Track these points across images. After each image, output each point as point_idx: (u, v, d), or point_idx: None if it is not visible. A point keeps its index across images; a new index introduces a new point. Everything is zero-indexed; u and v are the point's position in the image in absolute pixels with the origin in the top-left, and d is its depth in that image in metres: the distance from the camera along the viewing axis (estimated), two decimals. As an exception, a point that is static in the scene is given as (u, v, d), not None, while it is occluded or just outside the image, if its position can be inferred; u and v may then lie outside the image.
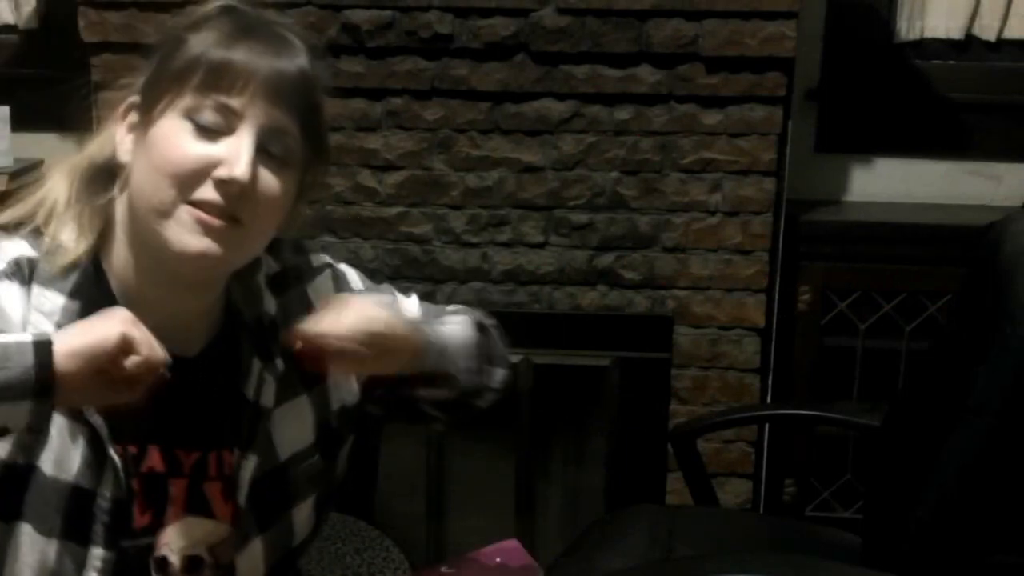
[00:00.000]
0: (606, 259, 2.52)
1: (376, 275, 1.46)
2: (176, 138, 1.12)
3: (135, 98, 1.19)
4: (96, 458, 1.15)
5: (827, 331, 2.66)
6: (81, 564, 1.16)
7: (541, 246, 2.53)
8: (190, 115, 1.13)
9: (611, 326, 2.55)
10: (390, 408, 1.39)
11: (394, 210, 2.50)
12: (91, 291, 1.16)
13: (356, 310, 1.22)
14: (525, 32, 2.40)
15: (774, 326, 2.58)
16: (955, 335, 1.78)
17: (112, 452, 1.15)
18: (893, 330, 2.64)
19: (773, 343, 2.58)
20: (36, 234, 1.17)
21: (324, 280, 1.33)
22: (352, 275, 1.38)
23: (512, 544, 2.19)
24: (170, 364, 1.08)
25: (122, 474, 1.16)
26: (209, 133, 1.13)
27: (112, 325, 1.05)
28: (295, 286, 1.30)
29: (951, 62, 2.78)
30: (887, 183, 2.81)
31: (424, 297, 2.66)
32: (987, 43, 2.75)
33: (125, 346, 1.04)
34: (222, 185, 1.11)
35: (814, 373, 2.67)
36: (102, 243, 1.18)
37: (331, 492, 1.36)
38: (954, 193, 2.79)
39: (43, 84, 2.78)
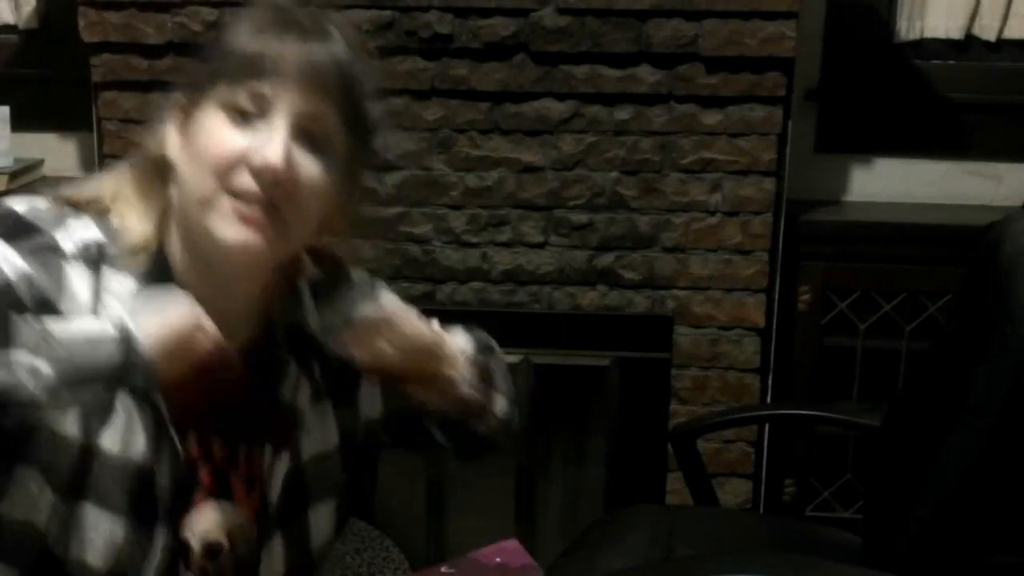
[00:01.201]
0: (606, 259, 2.52)
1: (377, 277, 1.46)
2: (213, 129, 1.14)
3: (180, 95, 1.19)
4: (157, 440, 1.16)
5: (827, 331, 2.66)
6: (147, 544, 1.16)
7: (541, 246, 2.53)
8: (226, 106, 1.14)
9: (611, 326, 2.55)
10: (400, 433, 1.40)
11: (394, 210, 2.50)
12: (159, 277, 1.17)
13: (411, 322, 1.26)
14: (525, 32, 2.40)
15: (774, 326, 2.58)
16: (955, 335, 1.78)
17: (173, 434, 1.17)
18: (893, 330, 2.64)
19: (773, 343, 2.58)
20: (102, 215, 1.18)
21: (363, 292, 1.34)
22: (388, 292, 1.39)
23: (512, 544, 2.19)
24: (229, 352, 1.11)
25: (182, 457, 1.17)
26: (245, 122, 1.13)
27: (184, 311, 1.09)
28: (336, 296, 1.30)
29: (951, 62, 2.78)
30: (887, 183, 2.81)
31: (424, 297, 2.67)
32: (987, 43, 2.75)
33: (198, 331, 1.08)
34: (257, 173, 1.12)
35: (814, 373, 2.67)
36: (163, 232, 1.19)
37: (349, 497, 1.37)
38: (954, 193, 2.79)
39: (43, 84, 2.79)
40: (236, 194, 1.12)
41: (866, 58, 2.77)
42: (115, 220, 1.18)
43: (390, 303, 1.29)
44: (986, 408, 1.51)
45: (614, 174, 2.48)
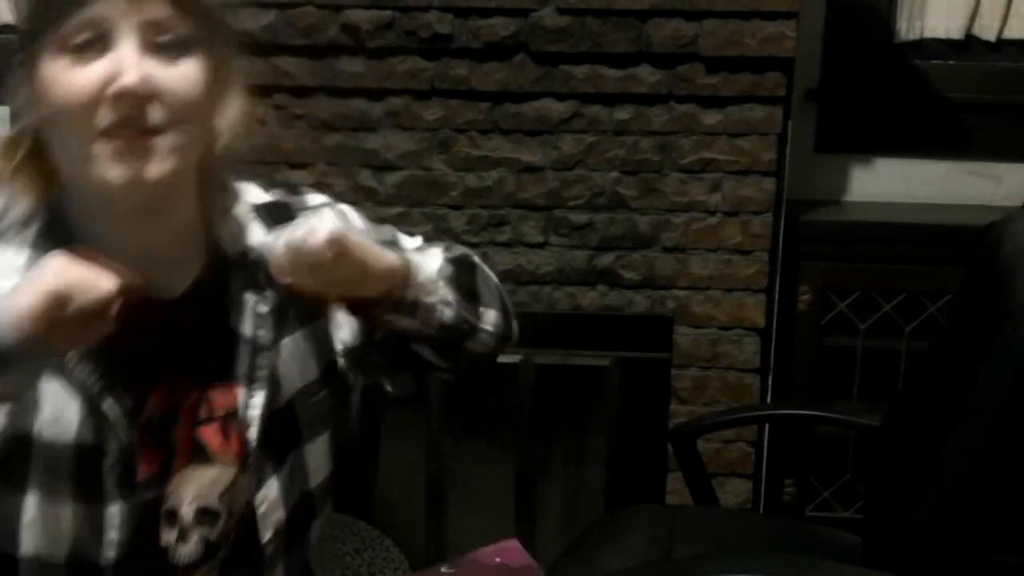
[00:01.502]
0: (606, 259, 2.52)
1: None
2: (57, 76, 1.06)
3: (19, 56, 1.10)
4: (93, 413, 1.12)
5: (827, 331, 2.66)
6: (99, 524, 1.13)
7: (541, 246, 2.53)
8: (62, 47, 1.06)
9: (611, 326, 2.55)
10: (391, 356, 1.33)
11: (394, 210, 2.50)
12: (52, 239, 1.12)
13: (364, 249, 1.14)
14: (525, 32, 2.40)
15: (774, 326, 2.58)
16: (955, 335, 1.78)
17: (105, 405, 1.12)
18: (893, 330, 2.64)
19: (773, 343, 2.58)
20: None
21: (325, 216, 1.24)
22: (354, 213, 1.32)
23: (512, 544, 2.19)
24: (134, 285, 1.03)
25: (124, 422, 1.13)
26: (88, 57, 1.06)
27: (40, 282, 1.00)
28: (287, 219, 1.22)
29: (951, 62, 2.77)
30: (887, 183, 2.81)
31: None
32: (987, 43, 2.75)
33: (60, 298, 0.99)
34: (118, 102, 1.05)
35: (814, 373, 2.67)
36: (56, 191, 1.14)
37: (345, 440, 1.34)
38: (954, 193, 2.79)
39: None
40: (107, 133, 1.06)
41: (866, 58, 2.76)
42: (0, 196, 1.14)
43: (334, 224, 1.16)
44: (986, 408, 1.51)
45: (614, 174, 2.48)
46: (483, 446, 2.73)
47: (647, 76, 2.42)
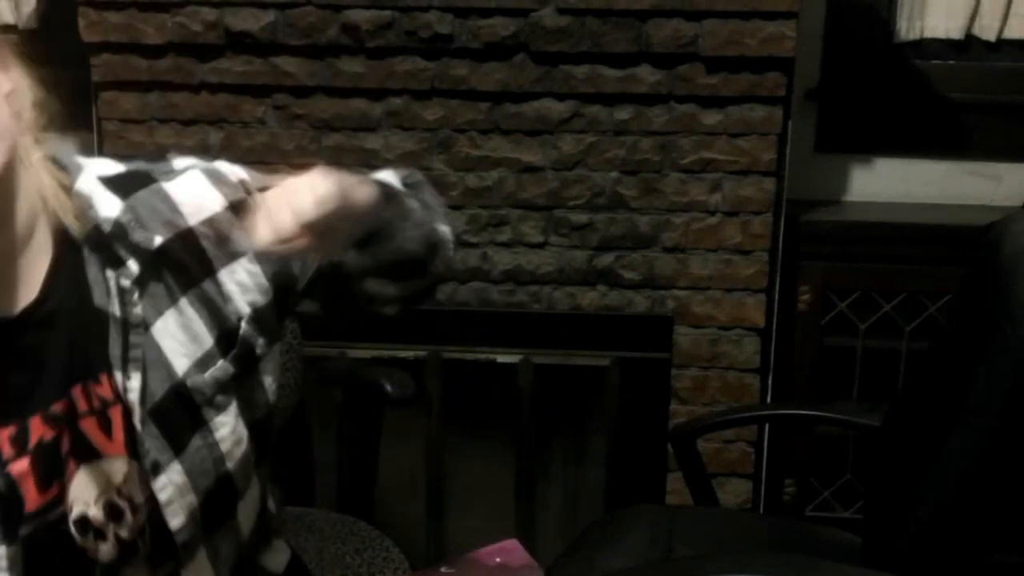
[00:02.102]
0: (606, 259, 2.52)
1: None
2: None
3: None
4: None
5: (827, 331, 2.66)
6: None
7: (541, 246, 2.53)
8: None
9: (611, 326, 2.55)
10: (327, 300, 1.29)
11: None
12: None
13: (303, 191, 1.08)
14: (525, 32, 2.40)
15: (774, 326, 2.58)
16: (955, 335, 1.78)
17: None
18: (893, 330, 2.64)
19: (773, 343, 2.58)
20: None
21: (192, 178, 1.21)
22: (232, 167, 1.26)
23: (512, 544, 2.20)
24: None
25: (1, 464, 1.10)
26: None
27: None
28: (148, 185, 1.19)
29: (951, 62, 2.78)
30: (887, 183, 2.81)
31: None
32: (987, 43, 2.75)
33: None
34: None
35: (814, 373, 2.67)
36: None
37: (264, 413, 1.26)
38: (954, 193, 2.79)
39: (43, 84, 2.78)
40: None
41: (866, 58, 2.77)
42: None
43: (228, 184, 1.17)
44: (986, 408, 1.51)
45: (614, 174, 2.48)
46: (483, 446, 2.73)
47: (647, 76, 2.42)
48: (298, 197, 1.06)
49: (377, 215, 1.20)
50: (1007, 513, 1.63)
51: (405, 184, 1.34)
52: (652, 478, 2.59)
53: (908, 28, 2.75)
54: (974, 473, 1.55)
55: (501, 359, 2.57)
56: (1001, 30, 2.74)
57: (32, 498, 1.13)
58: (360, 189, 1.15)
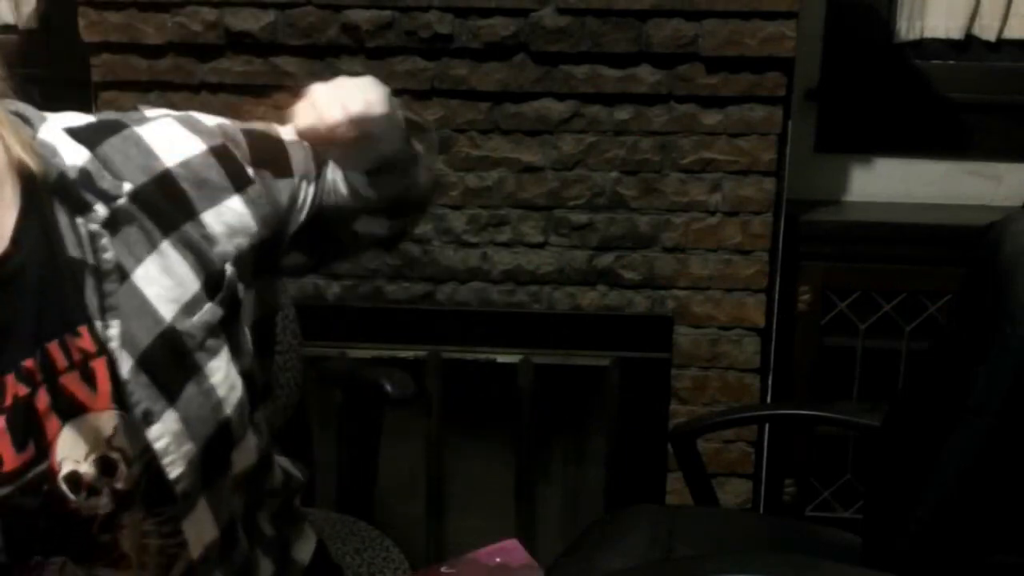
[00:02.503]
0: (606, 259, 2.52)
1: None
2: None
3: None
4: None
5: (827, 331, 2.66)
6: None
7: (541, 246, 2.53)
8: None
9: (611, 326, 2.55)
10: (314, 244, 1.30)
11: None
12: None
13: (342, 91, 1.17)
14: (525, 32, 2.40)
15: (774, 326, 2.58)
16: (955, 335, 1.78)
17: None
18: (893, 330, 2.64)
19: (773, 343, 2.58)
20: None
21: (165, 124, 1.19)
22: (208, 115, 1.25)
23: (512, 544, 2.19)
24: None
25: None
26: None
27: None
28: (118, 131, 1.17)
29: (951, 62, 2.78)
30: (887, 183, 2.81)
31: (424, 297, 2.67)
32: (987, 43, 2.75)
33: None
34: None
35: (814, 373, 2.67)
36: None
37: (249, 362, 1.23)
38: (954, 193, 2.79)
39: (43, 84, 2.78)
40: None
41: (866, 58, 2.77)
42: None
43: (202, 129, 1.20)
44: (986, 408, 1.51)
45: (614, 174, 2.48)
46: (483, 446, 2.73)
47: (647, 76, 2.42)
48: (349, 93, 1.12)
49: (407, 142, 1.24)
50: (1007, 513, 1.63)
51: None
52: (652, 478, 2.59)
53: (908, 28, 2.76)
54: (974, 473, 1.55)
55: (501, 359, 2.57)
56: (1001, 30, 2.74)
57: (9, 458, 1.10)
58: (400, 111, 1.20)
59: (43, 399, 1.11)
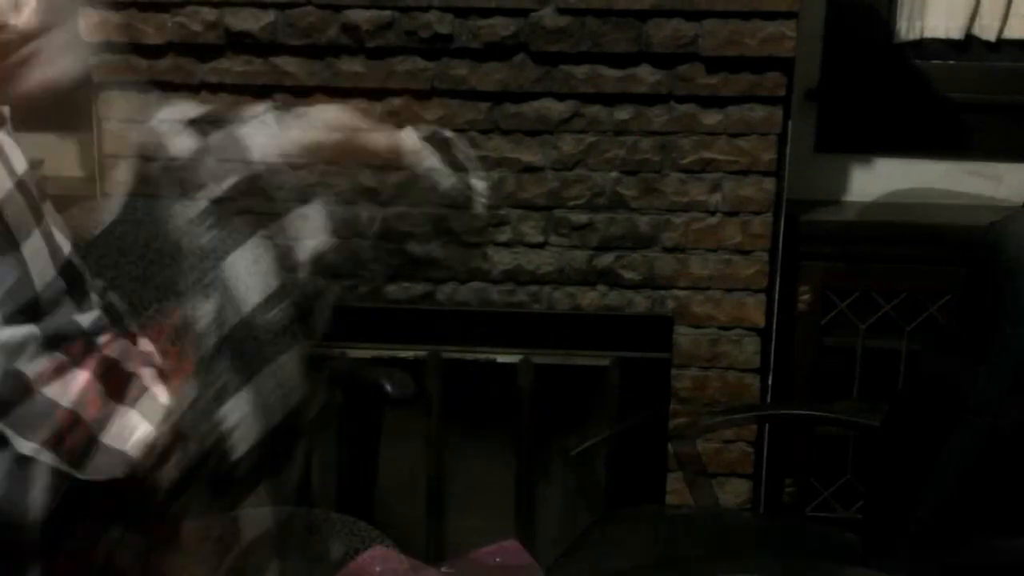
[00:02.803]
0: (606, 259, 2.52)
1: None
2: None
3: None
4: None
5: (827, 331, 2.66)
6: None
7: (541, 246, 2.53)
8: None
9: (611, 326, 2.55)
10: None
11: (394, 210, 2.49)
12: None
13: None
14: (525, 32, 2.40)
15: (774, 326, 2.58)
16: (955, 335, 1.78)
17: None
18: (893, 330, 2.64)
19: (773, 343, 2.58)
20: None
21: (265, 122, 1.36)
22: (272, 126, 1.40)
23: (512, 544, 2.20)
24: None
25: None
26: None
27: None
28: (221, 128, 1.31)
29: (951, 62, 2.77)
30: (887, 183, 2.81)
31: (424, 297, 2.67)
32: (987, 43, 2.75)
33: None
34: None
35: (814, 373, 2.67)
36: None
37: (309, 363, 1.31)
38: (954, 193, 2.79)
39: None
40: None
41: (866, 58, 2.76)
42: None
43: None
44: (986, 408, 1.51)
45: (614, 174, 2.48)
46: (483, 446, 2.73)
47: (647, 76, 2.42)
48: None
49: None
50: (1007, 513, 1.63)
51: None
52: (652, 478, 2.59)
53: (908, 28, 2.75)
54: (974, 473, 1.55)
55: (501, 359, 2.57)
56: (1001, 30, 2.74)
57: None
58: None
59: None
